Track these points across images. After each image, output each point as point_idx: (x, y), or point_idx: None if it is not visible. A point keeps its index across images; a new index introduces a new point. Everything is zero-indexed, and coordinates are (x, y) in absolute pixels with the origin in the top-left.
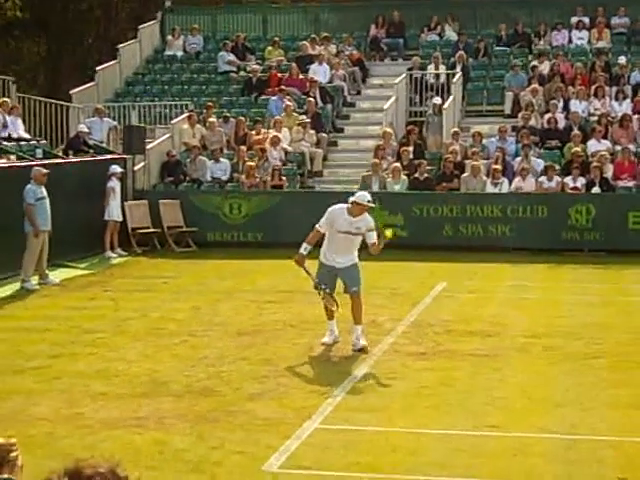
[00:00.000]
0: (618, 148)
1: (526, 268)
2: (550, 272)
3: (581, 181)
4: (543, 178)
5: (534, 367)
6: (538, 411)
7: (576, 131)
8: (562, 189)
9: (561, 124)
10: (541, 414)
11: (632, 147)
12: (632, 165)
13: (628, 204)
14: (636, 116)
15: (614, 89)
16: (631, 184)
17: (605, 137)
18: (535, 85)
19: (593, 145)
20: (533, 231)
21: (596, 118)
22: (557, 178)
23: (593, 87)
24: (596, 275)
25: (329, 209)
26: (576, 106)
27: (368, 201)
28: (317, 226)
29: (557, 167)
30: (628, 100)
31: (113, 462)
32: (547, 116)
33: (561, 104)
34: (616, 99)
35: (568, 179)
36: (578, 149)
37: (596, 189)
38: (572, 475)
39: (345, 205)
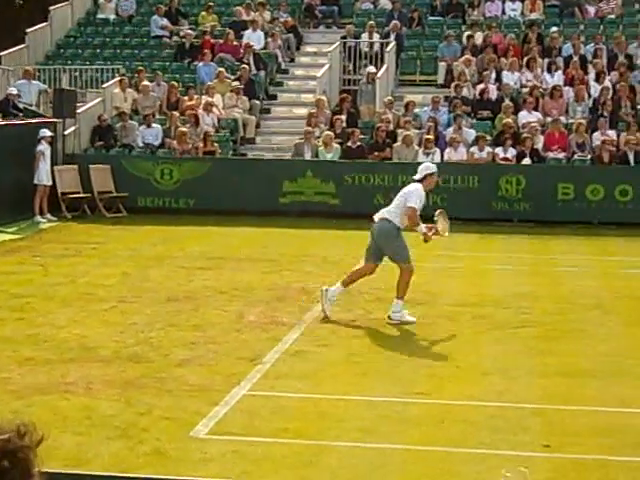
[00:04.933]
0: (549, 119)
1: (456, 238)
2: (480, 242)
3: (512, 152)
4: (474, 148)
5: (463, 335)
6: (465, 379)
7: (508, 102)
8: (493, 160)
9: (493, 95)
10: (468, 382)
11: (563, 119)
12: (562, 136)
13: (558, 175)
14: (567, 88)
15: (546, 61)
16: (561, 155)
17: (536, 108)
18: (468, 56)
19: (524, 116)
20: (464, 201)
21: (528, 89)
22: (488, 149)
23: (525, 58)
24: (525, 245)
25: (412, 190)
26: (508, 77)
27: (436, 167)
28: (415, 206)
29: (488, 138)
30: (559, 72)
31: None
32: (479, 87)
33: (493, 75)
34: (548, 71)
35: (499, 150)
36: (509, 120)
37: (526, 160)
38: (497, 442)
39: (415, 184)
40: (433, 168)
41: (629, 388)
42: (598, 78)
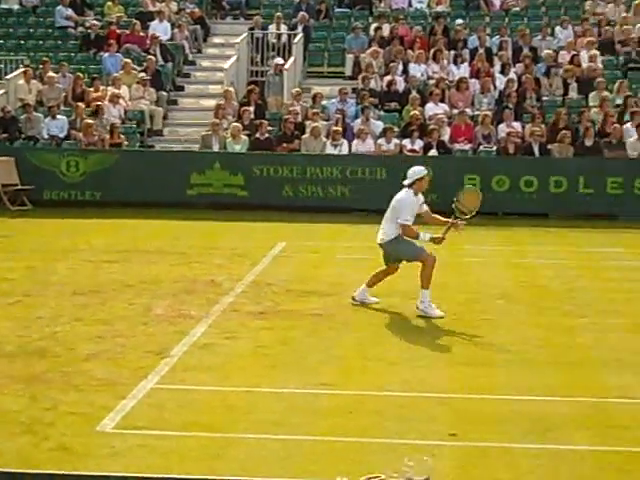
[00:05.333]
0: (455, 111)
1: (365, 229)
2: None
3: (419, 144)
4: (382, 140)
5: (370, 326)
6: (373, 369)
7: (414, 94)
8: (400, 151)
9: (400, 87)
10: (376, 372)
11: (469, 110)
12: (469, 128)
13: (464, 167)
14: (473, 80)
15: (452, 53)
16: (467, 147)
17: (443, 100)
18: (375, 47)
19: (431, 108)
20: (372, 192)
21: (434, 81)
22: (395, 140)
23: (432, 50)
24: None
25: (401, 200)
26: (415, 69)
27: (425, 170)
28: (406, 222)
29: (396, 129)
30: (465, 64)
31: None
32: (387, 79)
33: (400, 67)
34: (454, 63)
35: (406, 141)
36: (416, 112)
37: (433, 152)
38: (405, 432)
39: (405, 190)
40: (422, 172)
41: (534, 376)
42: (503, 70)
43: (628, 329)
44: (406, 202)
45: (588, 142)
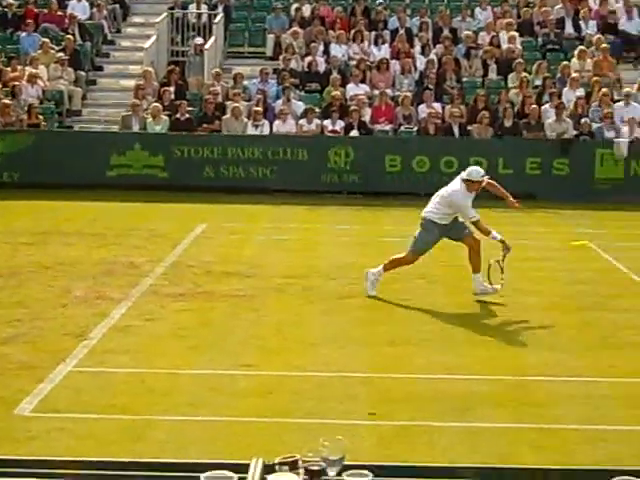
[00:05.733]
0: (376, 92)
1: (286, 210)
2: (310, 214)
3: (340, 124)
4: (303, 121)
5: (291, 307)
6: (293, 350)
7: (335, 75)
8: (322, 132)
9: (321, 67)
10: (296, 353)
11: (389, 91)
12: (389, 109)
13: (385, 147)
14: (394, 61)
15: (373, 34)
16: (388, 128)
17: (363, 81)
18: (296, 28)
19: (352, 89)
20: (293, 173)
21: (355, 62)
22: (317, 121)
23: (352, 31)
24: (354, 217)
25: (457, 193)
26: (336, 50)
27: (482, 176)
28: (476, 218)
29: (317, 110)
30: (386, 45)
31: None
32: (308, 59)
33: (321, 48)
34: (375, 44)
35: (327, 122)
36: (337, 92)
37: (354, 132)
38: (324, 412)
39: (459, 184)
40: (479, 176)
41: (454, 355)
42: (424, 51)
43: (546, 308)
44: (461, 197)
45: (507, 123)
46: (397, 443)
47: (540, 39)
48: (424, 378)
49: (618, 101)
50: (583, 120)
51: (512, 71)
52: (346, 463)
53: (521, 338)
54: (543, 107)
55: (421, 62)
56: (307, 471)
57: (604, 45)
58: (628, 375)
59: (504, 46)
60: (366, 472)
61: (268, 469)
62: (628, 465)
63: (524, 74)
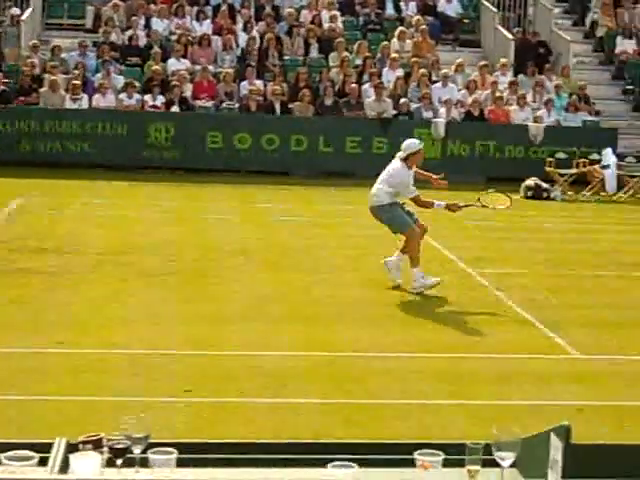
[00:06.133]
0: (197, 68)
1: (105, 185)
2: (129, 190)
3: (161, 99)
4: (123, 95)
5: (108, 284)
6: (108, 327)
7: (156, 49)
8: (142, 107)
9: (142, 41)
10: (111, 330)
11: (211, 67)
12: (211, 85)
13: (206, 124)
14: (215, 37)
15: (195, 9)
16: (210, 104)
17: (185, 56)
18: (117, 1)
19: (173, 64)
20: (113, 148)
21: (176, 37)
22: (137, 95)
23: (174, 6)
24: (174, 193)
25: (397, 176)
26: (157, 24)
27: (420, 144)
28: (415, 194)
29: (137, 84)
30: (208, 21)
31: None
32: (128, 33)
33: (142, 21)
34: (197, 19)
35: (148, 97)
36: (158, 67)
37: (175, 108)
38: (139, 389)
39: (398, 163)
40: (416, 145)
41: (271, 332)
42: (246, 28)
43: (361, 284)
44: (401, 176)
45: (328, 101)
46: (214, 420)
47: (361, 19)
48: (240, 354)
49: (436, 82)
50: (402, 100)
51: (333, 50)
52: (152, 441)
53: (337, 314)
54: (363, 86)
55: (243, 39)
56: (111, 449)
57: (423, 26)
58: (440, 351)
59: (325, 25)
60: (171, 449)
61: (71, 448)
62: (436, 439)
63: (345, 53)
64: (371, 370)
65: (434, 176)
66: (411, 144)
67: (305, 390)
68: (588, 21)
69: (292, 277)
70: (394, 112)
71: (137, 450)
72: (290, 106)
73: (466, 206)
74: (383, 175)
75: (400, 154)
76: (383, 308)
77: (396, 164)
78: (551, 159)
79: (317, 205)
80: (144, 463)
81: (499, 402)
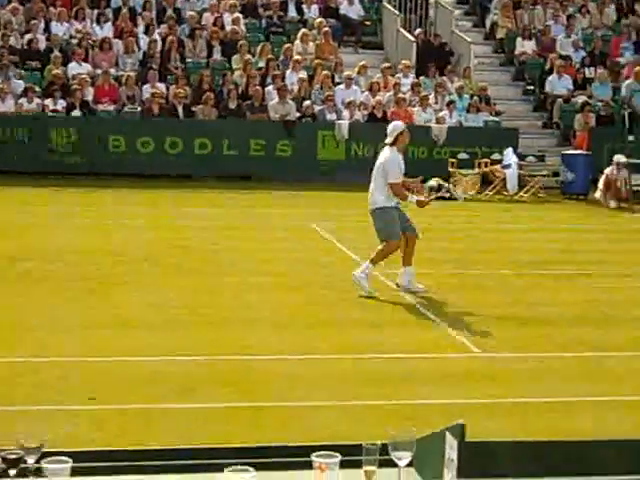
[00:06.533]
0: (99, 71)
1: (6, 192)
2: (32, 196)
3: (62, 104)
4: (23, 100)
5: (10, 291)
6: (6, 335)
7: (57, 53)
8: (43, 111)
9: (42, 45)
10: (10, 338)
11: (113, 71)
12: (113, 89)
13: (108, 128)
14: (117, 40)
15: (95, 12)
16: (111, 108)
17: (86, 60)
18: (15, 4)
19: (74, 68)
20: (14, 154)
21: (77, 40)
22: (37, 100)
23: (74, 9)
24: (78, 198)
25: (389, 160)
26: (57, 28)
27: (403, 124)
28: (397, 181)
29: (37, 89)
30: (109, 24)
31: None
32: (27, 36)
33: (42, 25)
34: (97, 22)
35: (49, 101)
36: (59, 71)
37: (77, 112)
38: (42, 398)
39: (389, 149)
40: (401, 126)
41: (176, 337)
42: (147, 31)
43: (268, 287)
44: (394, 161)
45: (232, 104)
46: (117, 427)
47: (264, 21)
48: (146, 360)
49: (339, 84)
50: (306, 102)
51: (236, 52)
52: (47, 450)
53: (245, 317)
54: (266, 89)
55: (145, 42)
56: (4, 460)
57: (326, 29)
58: (345, 352)
59: (228, 27)
60: (66, 459)
61: None
62: (341, 440)
63: (248, 56)
64: (278, 373)
65: (411, 182)
66: (395, 126)
67: (211, 395)
68: (488, 23)
69: (197, 281)
70: (298, 114)
71: (31, 460)
72: (193, 109)
73: (436, 199)
74: (375, 170)
75: (387, 140)
76: (289, 311)
77: (386, 153)
78: (454, 159)
79: (222, 208)
80: (39, 473)
81: (403, 402)
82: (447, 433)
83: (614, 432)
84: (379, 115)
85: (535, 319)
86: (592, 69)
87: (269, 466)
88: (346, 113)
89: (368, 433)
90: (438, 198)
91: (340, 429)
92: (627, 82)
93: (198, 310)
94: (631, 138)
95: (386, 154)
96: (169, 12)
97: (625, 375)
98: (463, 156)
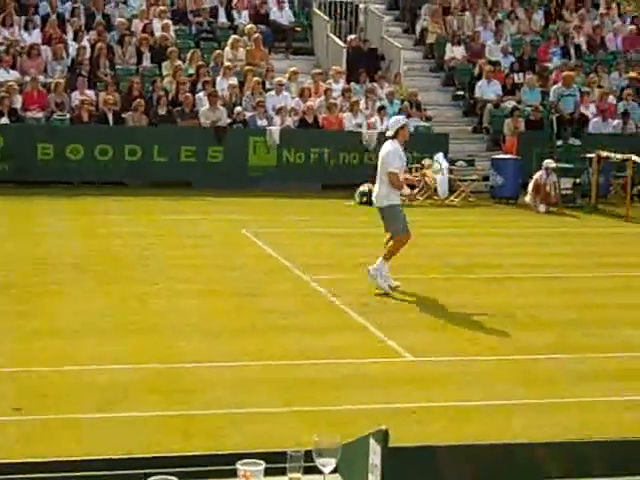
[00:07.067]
0: (27, 78)
1: None
2: None
3: None
4: None
5: None
6: None
7: None
8: None
9: None
10: None
11: (41, 78)
12: (41, 96)
13: (37, 135)
14: (45, 47)
15: (23, 18)
16: (40, 115)
17: (14, 67)
18: None
19: (1, 74)
20: None
21: (4, 47)
22: None
23: (1, 16)
24: (5, 207)
25: (391, 151)
26: None
27: (404, 118)
28: (396, 171)
29: None
30: (37, 30)
31: None
32: None
33: None
34: (25, 28)
35: None
36: None
37: (4, 120)
38: None
39: (390, 142)
40: (402, 120)
41: (105, 345)
42: (76, 37)
43: (197, 295)
44: (396, 152)
45: (162, 111)
46: (43, 438)
47: (194, 27)
48: (72, 370)
49: (270, 90)
50: (237, 108)
51: (166, 59)
52: None
53: (173, 325)
54: (197, 95)
55: (73, 48)
56: None
57: (256, 35)
58: (276, 358)
59: (158, 34)
60: None
61: None
62: (272, 447)
63: (178, 62)
64: (207, 380)
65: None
66: (396, 120)
67: (139, 403)
68: (418, 29)
69: (126, 288)
70: (228, 121)
71: None
72: (123, 116)
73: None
74: (379, 166)
75: (388, 133)
76: (218, 317)
77: (387, 146)
78: None
79: (152, 215)
80: None
81: (335, 408)
82: (371, 439)
83: (545, 434)
84: (310, 121)
85: (465, 323)
86: (521, 74)
87: (194, 475)
88: (277, 119)
89: (298, 440)
90: (365, 202)
91: (269, 436)
92: (555, 87)
93: (127, 318)
94: (560, 143)
95: (387, 147)
96: (98, 18)
97: (556, 377)
98: None
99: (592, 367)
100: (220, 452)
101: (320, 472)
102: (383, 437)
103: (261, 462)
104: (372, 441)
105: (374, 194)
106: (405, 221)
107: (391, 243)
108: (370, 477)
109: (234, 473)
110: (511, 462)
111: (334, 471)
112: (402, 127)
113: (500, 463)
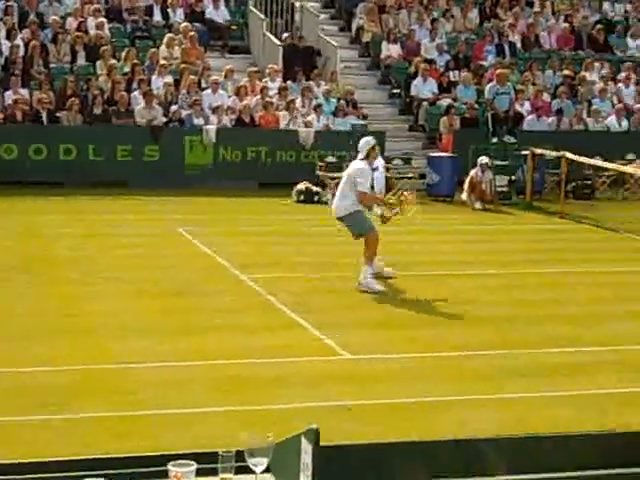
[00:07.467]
0: None
1: None
2: None
3: None
4: None
5: None
6: None
7: None
8: None
9: None
10: None
11: None
12: None
13: None
14: None
15: None
16: None
17: None
18: None
19: None
20: None
21: None
22: None
23: None
24: None
25: (362, 170)
26: None
27: (373, 139)
28: (367, 191)
29: None
30: None
31: None
32: None
33: None
34: None
35: None
36: None
37: None
38: None
39: (360, 163)
40: (372, 141)
41: (34, 348)
42: (9, 36)
43: (133, 295)
44: (366, 172)
45: (97, 110)
46: None
47: (129, 26)
48: (5, 372)
49: (206, 89)
50: (172, 107)
51: (101, 57)
52: None
53: (110, 325)
54: (132, 94)
55: (6, 47)
56: None
57: (192, 33)
58: (212, 357)
59: (92, 32)
60: None
61: None
62: (210, 447)
63: (113, 61)
64: (142, 381)
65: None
66: (367, 142)
67: (74, 405)
68: (354, 27)
69: (62, 289)
70: (164, 119)
71: None
72: (58, 115)
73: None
74: (343, 181)
75: (360, 155)
76: (153, 317)
77: (357, 164)
78: (322, 163)
79: (87, 215)
80: None
81: (272, 406)
82: (302, 438)
83: (478, 431)
84: (247, 120)
85: (399, 321)
86: (456, 72)
87: (124, 477)
88: (213, 118)
89: (233, 439)
90: (302, 201)
91: (205, 436)
92: (490, 85)
93: (63, 319)
94: (495, 140)
95: (357, 165)
96: (32, 17)
97: (488, 374)
98: (331, 160)
99: (526, 363)
100: (151, 453)
101: (252, 472)
102: (314, 436)
103: (192, 463)
104: (303, 440)
105: (333, 205)
106: (369, 219)
107: (364, 247)
108: (302, 476)
109: (166, 474)
110: (447, 459)
111: (266, 470)
112: (372, 148)
113: (434, 460)
